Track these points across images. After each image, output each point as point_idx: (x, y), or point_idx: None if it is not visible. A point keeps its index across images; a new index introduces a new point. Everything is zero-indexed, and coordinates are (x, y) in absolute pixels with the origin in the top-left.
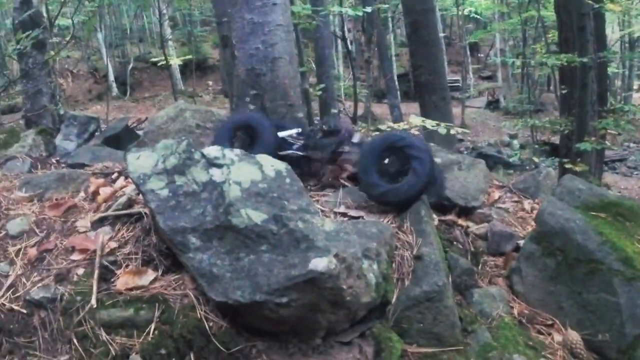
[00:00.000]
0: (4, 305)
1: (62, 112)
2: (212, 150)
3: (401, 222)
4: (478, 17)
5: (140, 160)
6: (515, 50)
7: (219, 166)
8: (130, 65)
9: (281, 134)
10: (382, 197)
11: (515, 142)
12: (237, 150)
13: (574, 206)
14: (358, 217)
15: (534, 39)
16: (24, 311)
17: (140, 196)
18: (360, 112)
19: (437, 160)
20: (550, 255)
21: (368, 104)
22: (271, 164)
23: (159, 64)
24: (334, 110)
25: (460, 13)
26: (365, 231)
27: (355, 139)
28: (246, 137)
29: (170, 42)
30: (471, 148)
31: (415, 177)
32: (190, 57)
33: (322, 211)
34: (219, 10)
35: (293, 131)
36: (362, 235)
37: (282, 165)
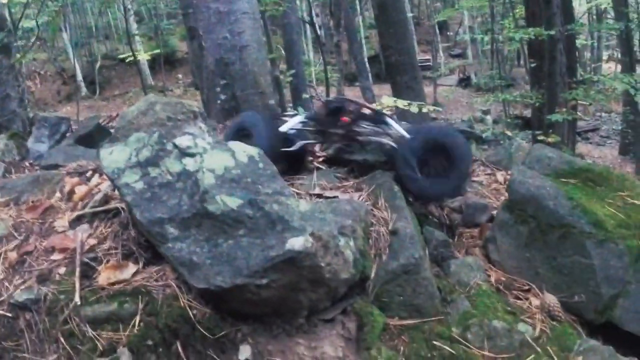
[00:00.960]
0: None
1: (31, 115)
2: (184, 140)
3: (375, 199)
4: None
5: (114, 155)
6: (484, 27)
7: (192, 155)
8: (98, 64)
9: (284, 127)
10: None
11: (488, 118)
12: (209, 138)
13: (544, 174)
14: (333, 197)
15: (502, 15)
16: (9, 315)
17: (116, 192)
18: (332, 96)
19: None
20: (523, 222)
21: (340, 87)
22: (243, 150)
23: (127, 61)
24: (306, 96)
25: None
26: (339, 209)
27: (367, 111)
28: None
29: (137, 38)
30: None
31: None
32: (158, 51)
33: (298, 194)
34: (185, 1)
35: (296, 119)
36: (337, 214)
37: (254, 151)
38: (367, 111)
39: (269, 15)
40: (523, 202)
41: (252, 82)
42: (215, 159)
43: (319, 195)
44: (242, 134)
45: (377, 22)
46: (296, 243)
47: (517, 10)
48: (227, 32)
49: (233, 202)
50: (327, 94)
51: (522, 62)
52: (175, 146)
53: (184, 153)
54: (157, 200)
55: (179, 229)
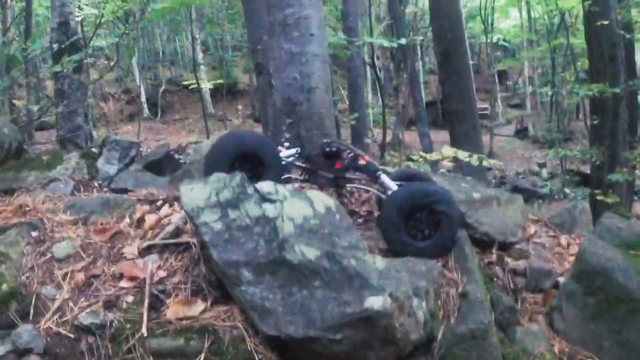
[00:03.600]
0: (51, 329)
1: (94, 131)
2: (265, 186)
3: (446, 259)
4: (506, 44)
5: (194, 193)
6: (543, 78)
7: (272, 201)
8: (162, 88)
9: (282, 154)
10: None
11: (544, 171)
12: (289, 186)
13: (614, 244)
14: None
15: (562, 67)
16: (72, 336)
17: (188, 225)
18: (388, 138)
19: (476, 195)
20: (591, 294)
21: (398, 131)
22: (321, 200)
23: (190, 87)
24: (367, 140)
25: (488, 40)
26: (414, 269)
27: (362, 161)
28: (249, 164)
29: (201, 66)
30: (499, 177)
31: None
32: (221, 81)
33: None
34: (254, 37)
35: (292, 151)
36: (412, 274)
37: (331, 201)
38: (362, 162)
39: (330, 53)
40: (592, 274)
41: (318, 123)
42: (295, 207)
43: (388, 250)
44: (246, 158)
45: (440, 70)
46: (375, 303)
47: (579, 63)
48: (297, 72)
49: (311, 253)
50: (384, 137)
51: (580, 115)
52: (257, 191)
53: (264, 198)
54: (234, 243)
55: (254, 274)
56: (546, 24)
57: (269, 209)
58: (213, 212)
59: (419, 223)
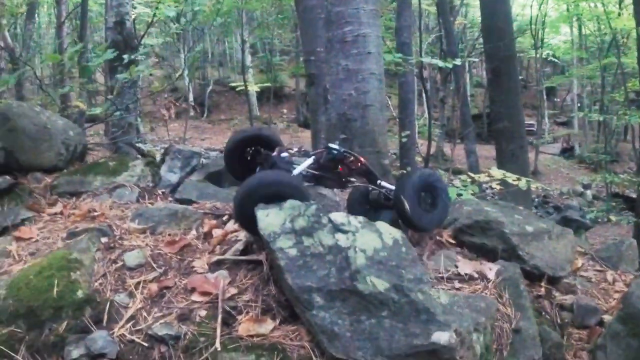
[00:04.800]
0: (125, 336)
1: (141, 127)
2: (339, 217)
3: (499, 292)
4: (556, 60)
5: (270, 218)
6: (592, 97)
7: (344, 232)
8: (210, 88)
9: (296, 171)
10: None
11: (588, 193)
12: (360, 218)
13: None
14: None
15: (612, 86)
16: (145, 344)
17: (255, 244)
18: (432, 150)
19: (529, 228)
20: (635, 336)
21: (441, 144)
22: (389, 232)
23: (237, 89)
24: (418, 159)
25: (538, 56)
26: (475, 306)
27: (360, 164)
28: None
29: (249, 69)
30: (542, 196)
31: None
32: (268, 84)
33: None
34: (308, 47)
35: (306, 164)
36: (472, 310)
37: (398, 234)
38: (363, 167)
39: None
40: (638, 317)
41: (371, 140)
42: (366, 239)
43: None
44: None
45: (490, 87)
46: (442, 338)
47: (630, 84)
48: (353, 89)
49: (381, 285)
50: (429, 150)
51: (628, 137)
52: (330, 221)
53: (337, 229)
54: (307, 269)
55: (325, 299)
56: (597, 42)
57: (342, 239)
58: (288, 238)
59: (425, 198)
